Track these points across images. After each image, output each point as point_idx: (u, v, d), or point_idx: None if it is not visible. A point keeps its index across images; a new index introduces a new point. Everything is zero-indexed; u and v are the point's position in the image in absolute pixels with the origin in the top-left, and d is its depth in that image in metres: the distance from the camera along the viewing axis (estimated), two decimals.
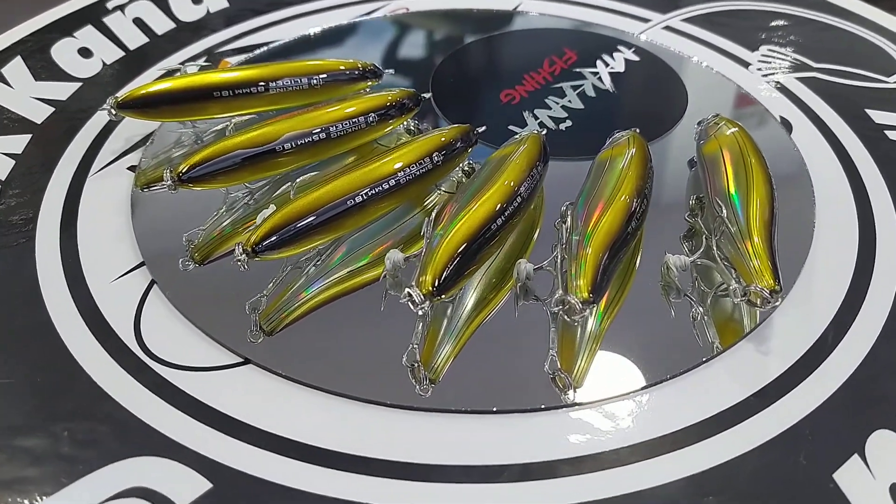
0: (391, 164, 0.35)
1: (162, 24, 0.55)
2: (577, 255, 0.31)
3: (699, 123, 0.42)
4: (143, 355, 0.32)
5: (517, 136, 0.39)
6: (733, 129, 0.40)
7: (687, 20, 0.57)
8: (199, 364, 0.31)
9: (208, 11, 0.57)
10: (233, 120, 0.43)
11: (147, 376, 0.31)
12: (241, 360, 0.32)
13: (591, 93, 0.49)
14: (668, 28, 0.56)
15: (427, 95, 0.44)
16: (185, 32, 0.54)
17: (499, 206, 0.33)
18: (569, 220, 0.34)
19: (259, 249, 0.32)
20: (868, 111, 0.47)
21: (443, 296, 0.30)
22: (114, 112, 0.40)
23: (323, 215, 0.33)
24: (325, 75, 0.43)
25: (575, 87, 0.49)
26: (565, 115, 0.46)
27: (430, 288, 0.29)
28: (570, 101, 0.48)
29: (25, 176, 0.41)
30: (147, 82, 0.41)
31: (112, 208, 0.39)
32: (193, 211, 0.38)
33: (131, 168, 0.42)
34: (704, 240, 0.35)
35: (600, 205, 0.33)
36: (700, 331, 0.33)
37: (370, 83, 0.45)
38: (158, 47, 0.52)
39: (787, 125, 0.46)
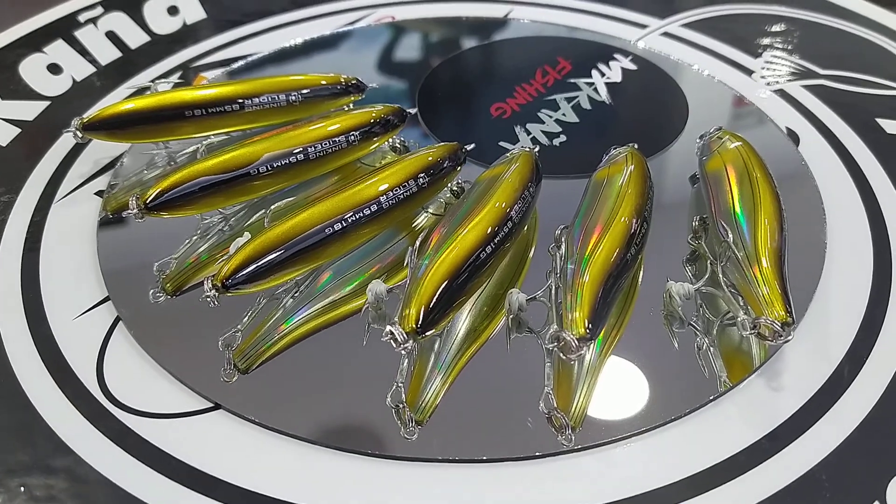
0: (373, 188, 0.33)
1: (136, 38, 0.52)
2: (572, 284, 0.28)
3: (701, 137, 0.40)
4: (105, 401, 0.30)
5: (508, 155, 0.37)
6: (737, 143, 0.37)
7: (686, 25, 0.54)
8: (166, 410, 0.29)
9: (185, 23, 0.54)
10: (204, 142, 0.40)
11: (109, 424, 0.29)
12: (212, 405, 0.29)
13: (586, 105, 0.46)
14: (666, 34, 0.54)
15: (413, 111, 0.42)
16: (161, 46, 0.52)
17: (489, 230, 0.30)
18: (564, 245, 0.31)
19: (230, 284, 0.29)
20: (879, 121, 0.45)
21: (428, 333, 0.27)
22: (79, 134, 0.38)
23: (299, 245, 0.30)
24: (305, 91, 0.41)
25: (569, 100, 0.47)
26: (559, 129, 0.44)
27: (415, 324, 0.27)
28: (564, 115, 0.45)
29: None
30: (115, 102, 0.39)
31: (77, 237, 0.37)
32: (164, 239, 0.36)
33: (99, 193, 0.39)
34: (709, 265, 0.33)
35: (598, 227, 0.31)
36: (706, 363, 0.30)
37: (353, 98, 0.43)
38: (132, 62, 0.50)
39: (794, 137, 0.44)
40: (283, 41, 0.52)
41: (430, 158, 0.35)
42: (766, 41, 0.53)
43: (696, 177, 0.39)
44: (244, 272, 0.29)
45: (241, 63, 0.50)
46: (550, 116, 0.45)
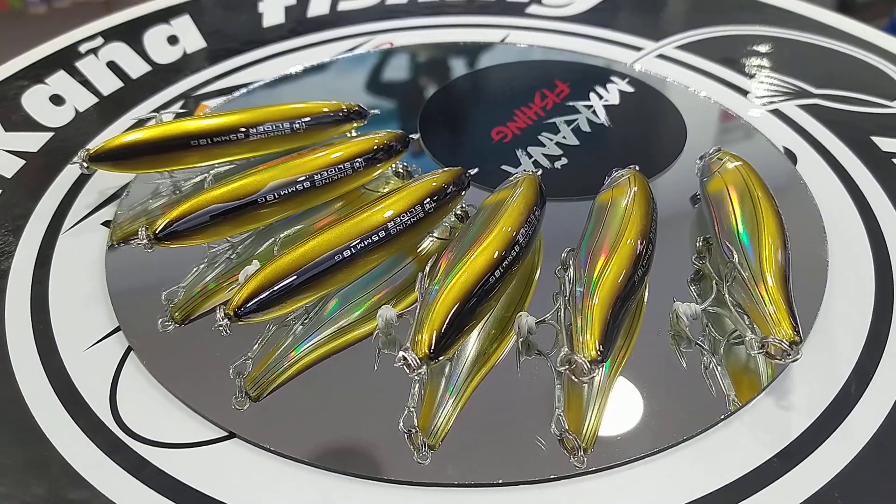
0: (380, 214, 0.33)
1: (137, 68, 0.53)
2: (582, 307, 0.29)
3: (701, 158, 0.40)
4: (119, 432, 0.30)
5: (512, 179, 0.37)
6: (737, 164, 0.38)
7: (681, 47, 0.55)
8: (180, 440, 0.29)
9: (185, 52, 0.55)
10: (211, 171, 0.40)
11: (124, 456, 0.29)
12: (226, 433, 0.29)
13: (585, 127, 0.47)
14: (661, 56, 0.55)
15: (415, 136, 0.42)
16: (162, 75, 0.52)
17: (497, 254, 0.31)
18: (571, 268, 0.32)
19: (242, 313, 0.29)
20: (874, 138, 0.45)
21: (441, 357, 0.28)
22: (85, 165, 0.38)
23: (309, 272, 0.31)
24: (307, 119, 0.41)
25: (569, 122, 0.47)
26: (560, 152, 0.45)
27: (427, 349, 0.27)
28: (564, 137, 0.46)
29: None
30: (120, 133, 0.39)
31: (85, 268, 0.37)
32: (173, 268, 0.36)
33: (106, 223, 0.40)
34: (714, 285, 0.33)
35: (605, 250, 0.31)
36: (714, 382, 0.31)
37: (356, 125, 0.43)
38: (133, 92, 0.51)
39: (791, 156, 0.44)
40: (283, 69, 0.53)
41: (434, 184, 0.36)
42: (759, 61, 0.54)
43: (698, 197, 0.40)
44: (255, 300, 0.30)
45: (243, 91, 0.51)
46: (551, 139, 0.46)
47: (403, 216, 0.34)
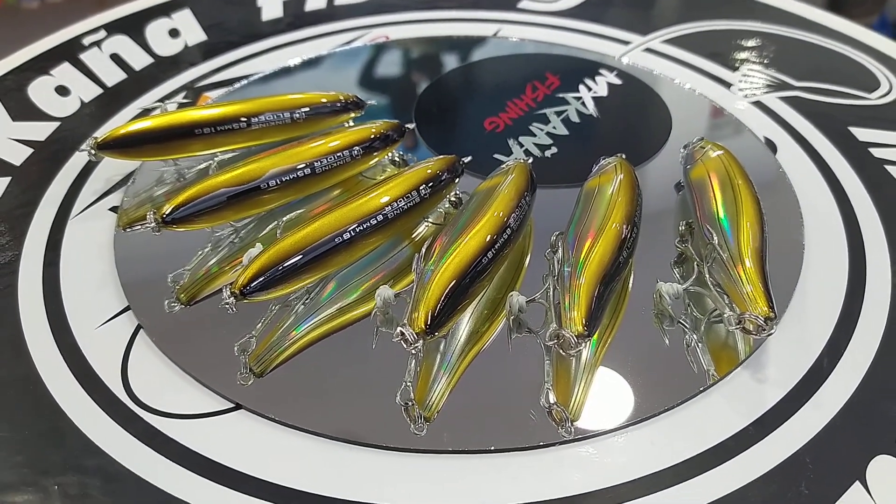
0: (378, 199, 0.35)
1: (139, 60, 0.54)
2: (569, 286, 0.30)
3: (685, 147, 0.42)
4: (131, 404, 0.31)
5: (504, 166, 0.38)
6: (719, 153, 0.39)
7: (667, 41, 0.57)
8: (190, 411, 0.31)
9: (186, 45, 0.56)
10: (215, 158, 0.42)
11: (137, 426, 0.30)
12: (233, 405, 0.31)
13: (574, 118, 0.48)
14: (648, 50, 0.56)
15: (411, 126, 0.43)
16: (164, 67, 0.54)
17: (489, 237, 0.32)
18: (560, 250, 0.33)
19: (247, 291, 0.31)
20: (851, 129, 0.47)
21: (436, 333, 0.29)
22: (94, 153, 0.39)
23: (311, 254, 0.32)
24: (307, 109, 0.43)
25: (559, 113, 0.49)
26: (550, 141, 0.46)
27: (423, 325, 0.29)
28: (554, 128, 0.47)
29: (5, 221, 0.40)
30: (127, 121, 0.41)
31: (95, 251, 0.38)
32: (178, 251, 0.37)
33: (113, 209, 0.41)
34: (696, 266, 0.35)
35: (591, 233, 0.33)
36: (695, 358, 0.32)
37: (353, 115, 0.45)
38: (137, 83, 0.52)
39: (771, 145, 0.46)
40: (281, 61, 0.54)
41: (429, 171, 0.37)
42: (742, 55, 0.55)
43: (681, 184, 0.41)
44: (260, 280, 0.31)
45: (243, 83, 0.52)
46: (542, 129, 0.47)
47: (400, 201, 0.35)
